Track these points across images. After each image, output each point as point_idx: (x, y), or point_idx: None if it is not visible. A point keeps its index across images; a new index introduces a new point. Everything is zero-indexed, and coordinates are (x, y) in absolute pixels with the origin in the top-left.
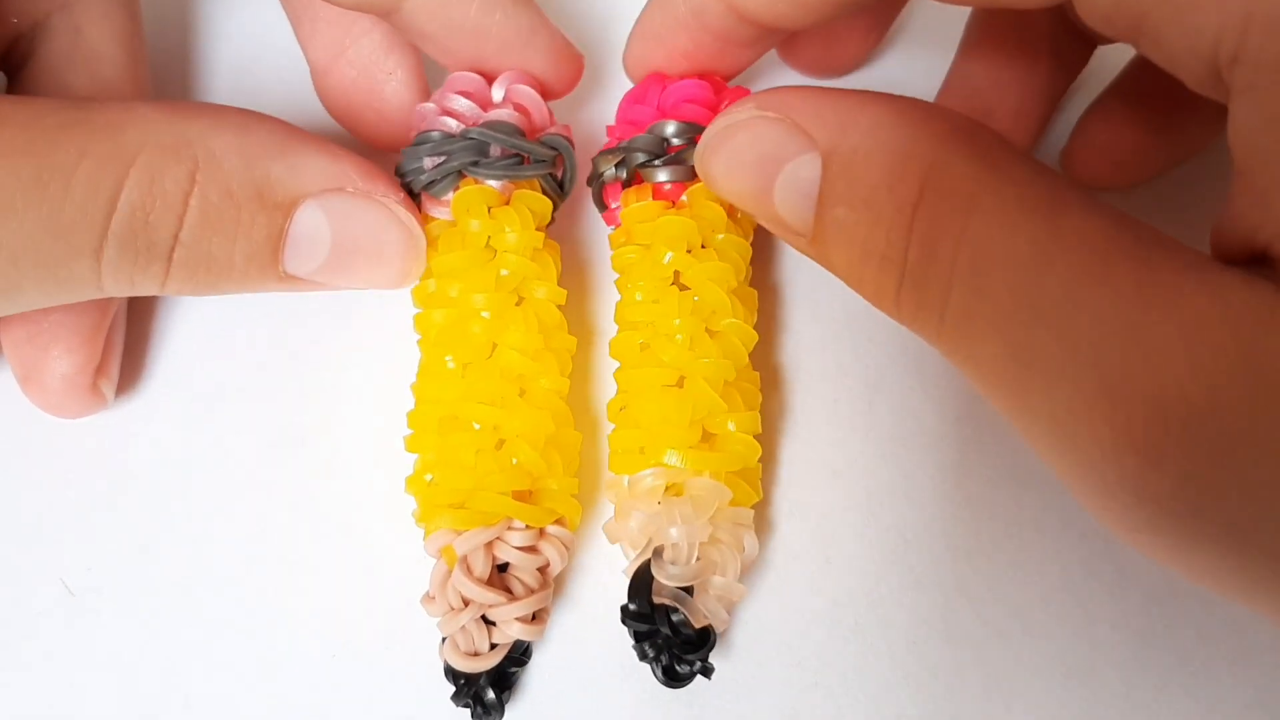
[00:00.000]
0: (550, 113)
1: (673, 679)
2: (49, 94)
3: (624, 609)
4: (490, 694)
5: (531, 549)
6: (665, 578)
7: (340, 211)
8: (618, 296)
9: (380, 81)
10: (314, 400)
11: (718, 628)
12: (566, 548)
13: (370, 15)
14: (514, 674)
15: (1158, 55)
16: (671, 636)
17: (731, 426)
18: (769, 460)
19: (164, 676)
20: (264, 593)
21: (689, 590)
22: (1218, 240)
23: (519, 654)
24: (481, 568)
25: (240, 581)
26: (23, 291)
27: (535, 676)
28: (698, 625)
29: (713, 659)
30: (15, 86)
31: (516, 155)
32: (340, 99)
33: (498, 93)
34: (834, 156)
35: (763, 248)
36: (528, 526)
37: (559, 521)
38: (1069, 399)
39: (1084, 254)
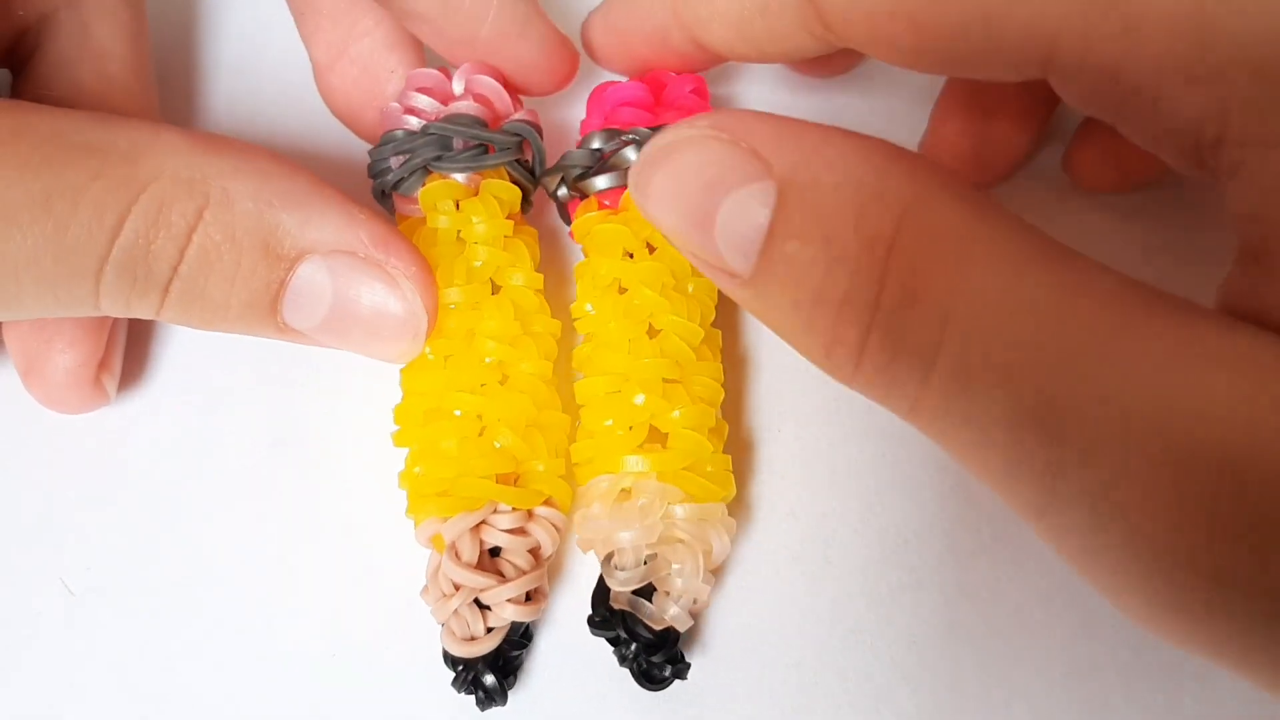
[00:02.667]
0: (515, 99)
1: (649, 681)
2: (56, 89)
3: (589, 619)
4: (490, 678)
5: (521, 531)
6: (615, 584)
7: (345, 275)
8: None
9: (382, 80)
10: (313, 400)
11: (679, 628)
12: (557, 528)
13: (372, 12)
14: (516, 658)
15: (1138, 137)
16: (632, 640)
17: (676, 414)
18: (769, 460)
19: (164, 676)
20: (264, 592)
21: (647, 593)
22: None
23: (518, 637)
24: (469, 553)
25: (240, 581)
26: (22, 303)
27: (538, 660)
28: (657, 628)
29: (712, 658)
30: (20, 81)
31: (480, 145)
32: (342, 97)
33: (458, 85)
34: (792, 186)
35: None
36: (514, 509)
37: (548, 503)
38: (1117, 467)
39: (1113, 304)
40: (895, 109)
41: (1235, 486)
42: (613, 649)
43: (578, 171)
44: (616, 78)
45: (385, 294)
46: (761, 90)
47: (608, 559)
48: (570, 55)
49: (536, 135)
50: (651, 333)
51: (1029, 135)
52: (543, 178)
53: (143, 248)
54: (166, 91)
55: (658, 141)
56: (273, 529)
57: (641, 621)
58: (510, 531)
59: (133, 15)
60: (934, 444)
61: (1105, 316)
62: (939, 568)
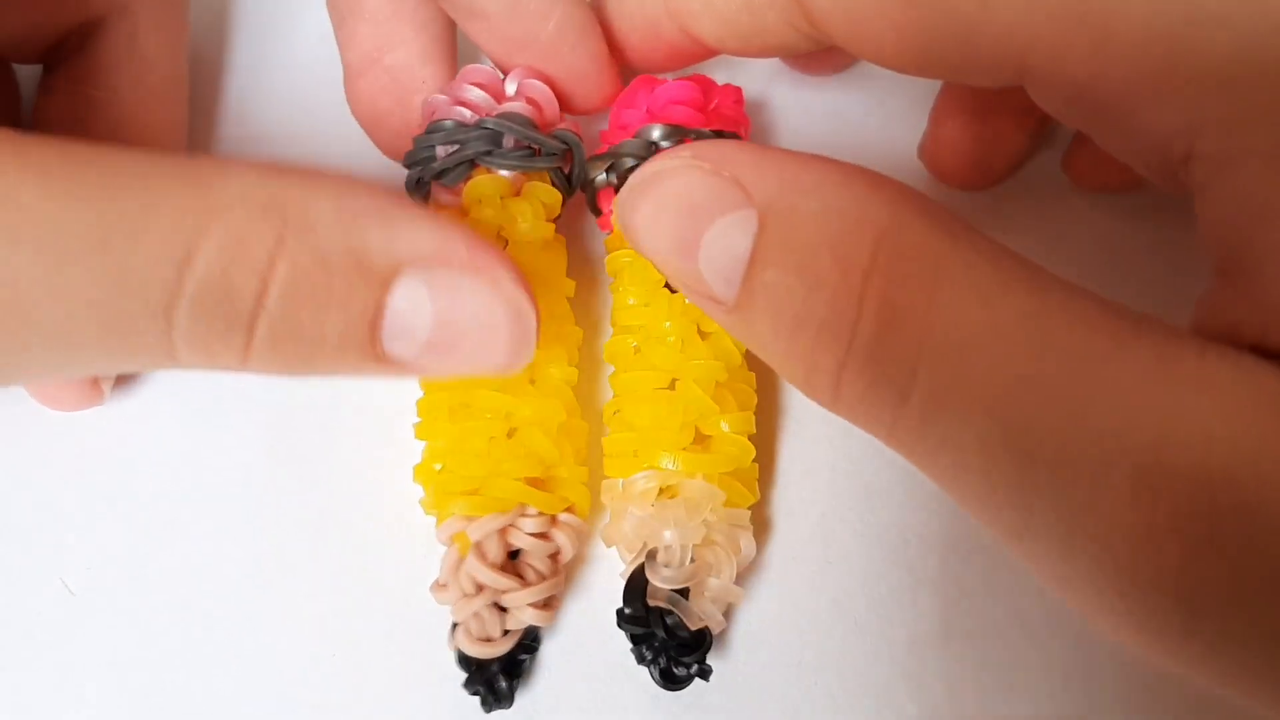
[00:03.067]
0: (560, 110)
1: (670, 681)
2: (92, 90)
3: (619, 612)
4: (502, 682)
5: (544, 536)
6: (659, 580)
7: (444, 285)
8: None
9: (411, 91)
10: (314, 399)
11: (713, 629)
12: (578, 535)
13: (412, 22)
14: (524, 661)
15: (1112, 146)
16: (667, 639)
17: (725, 427)
18: (769, 460)
19: (164, 676)
20: (264, 591)
21: (684, 593)
22: (1199, 330)
23: (529, 641)
24: (495, 553)
25: (240, 580)
26: (83, 353)
27: (544, 665)
28: (693, 628)
29: (713, 659)
30: (54, 77)
31: (528, 147)
32: (369, 104)
33: (510, 86)
34: (771, 214)
35: None
36: (540, 513)
37: (570, 509)
38: (1091, 490)
39: (1086, 328)
40: (895, 107)
41: (1207, 509)
42: (632, 647)
43: (630, 163)
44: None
45: (490, 301)
46: (761, 85)
47: (651, 555)
48: (615, 76)
49: (581, 147)
50: (702, 334)
51: (1028, 135)
52: (588, 163)
53: (221, 280)
54: (194, 92)
55: (642, 172)
56: (273, 528)
57: (680, 620)
58: (535, 535)
59: (180, 28)
60: None
61: (1076, 342)
62: (939, 568)
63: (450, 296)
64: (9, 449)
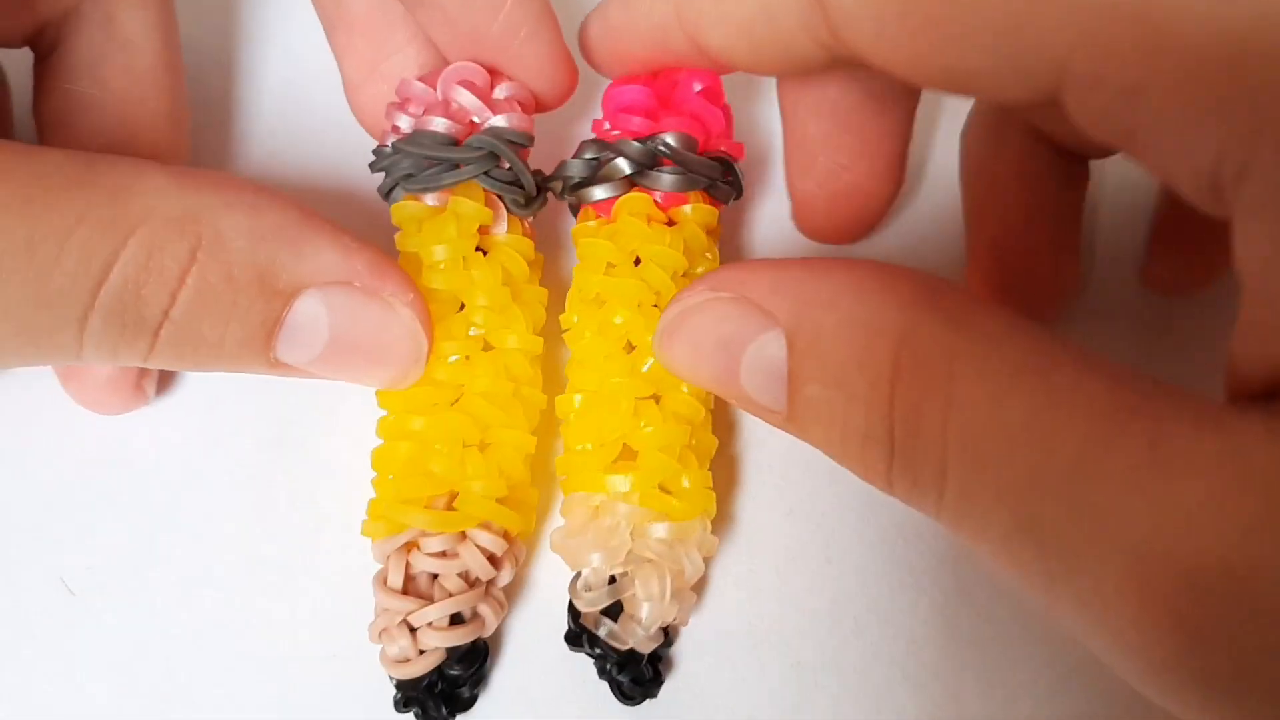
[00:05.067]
0: (504, 110)
1: (623, 696)
2: (81, 85)
3: (564, 634)
4: (431, 703)
5: (448, 554)
6: (581, 604)
7: (342, 306)
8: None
9: None
10: (314, 399)
11: (639, 649)
12: (498, 553)
13: (404, 28)
14: (459, 677)
15: (1152, 165)
16: (602, 656)
17: (648, 429)
18: (769, 460)
19: (164, 676)
20: (264, 592)
21: (615, 612)
22: (1232, 371)
23: (464, 656)
24: (395, 577)
25: (240, 581)
26: (1, 354)
27: (514, 670)
28: (621, 648)
29: (713, 658)
30: (43, 78)
31: (447, 163)
32: (372, 114)
33: (441, 88)
34: (799, 334)
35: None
36: (441, 533)
37: (486, 526)
38: (1096, 580)
39: (1087, 417)
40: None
41: (1202, 596)
42: (594, 660)
43: (575, 180)
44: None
45: (383, 321)
46: (770, 111)
47: (575, 578)
48: (571, 70)
49: (500, 145)
50: (629, 348)
51: (893, 185)
52: (549, 183)
53: (133, 293)
54: (205, 101)
55: (668, 314)
56: (273, 529)
57: (606, 641)
58: (438, 555)
59: (161, 7)
60: None
61: (1079, 432)
62: (939, 568)
63: (346, 316)
64: (10, 449)
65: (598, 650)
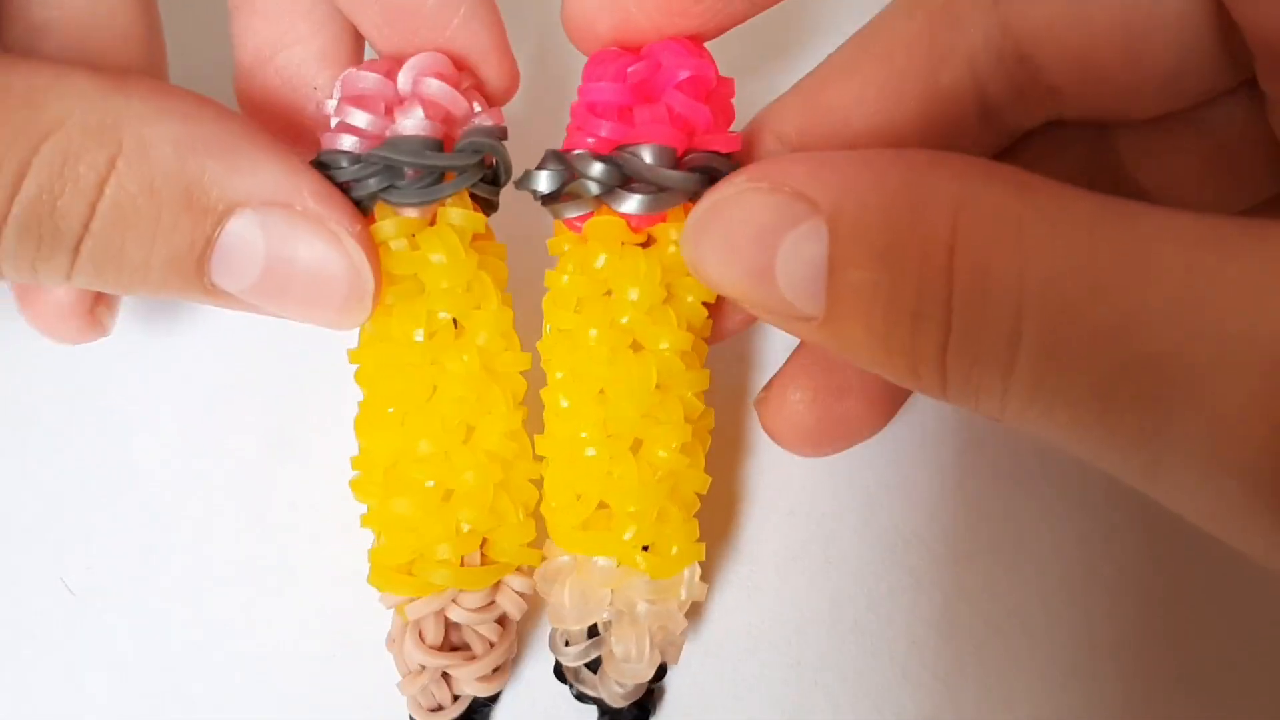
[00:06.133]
0: (473, 94)
1: None
2: (35, 8)
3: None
4: None
5: (489, 604)
6: (561, 657)
7: (280, 231)
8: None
9: (305, 97)
10: (314, 399)
11: (611, 703)
12: (524, 596)
13: (311, 17)
14: (484, 711)
15: None
16: (582, 697)
17: (631, 506)
18: (769, 460)
19: (164, 676)
20: (264, 591)
21: (596, 664)
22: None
23: (486, 700)
24: (434, 635)
25: (240, 581)
26: None
27: (506, 704)
28: (594, 696)
29: (712, 658)
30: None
31: (434, 171)
32: (257, 107)
33: (404, 81)
34: (841, 216)
35: None
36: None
37: (518, 569)
38: (1213, 412)
39: (1189, 246)
40: None
41: None
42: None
43: (542, 194)
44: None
45: (326, 252)
46: None
47: (553, 632)
48: (513, 59)
49: (499, 146)
50: (602, 395)
51: (880, 418)
52: (519, 188)
53: (47, 204)
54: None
55: (700, 207)
56: (273, 529)
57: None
58: (476, 610)
59: None
60: (934, 444)
61: (1183, 260)
62: (939, 568)
63: (284, 242)
64: (10, 448)
65: (579, 698)
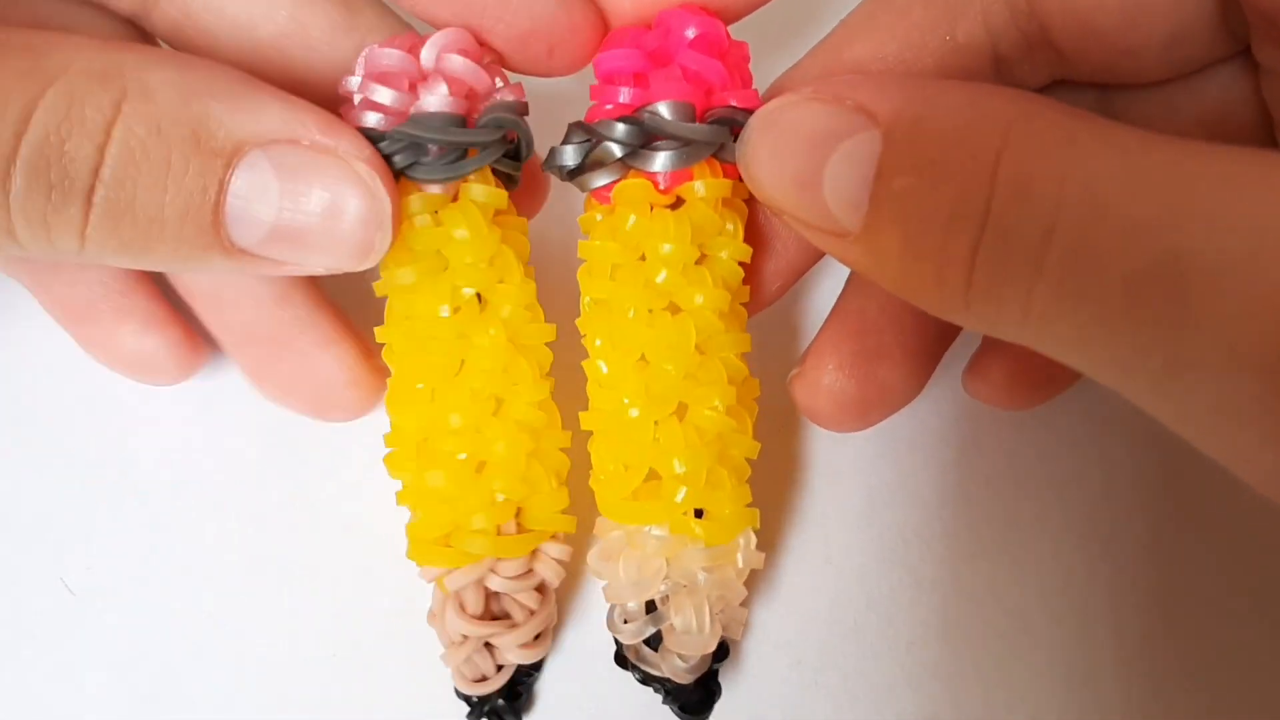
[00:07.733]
0: (495, 69)
1: (686, 713)
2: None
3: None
4: (506, 710)
5: (527, 572)
6: (619, 635)
7: (291, 166)
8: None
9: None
10: None
11: (676, 679)
12: (563, 562)
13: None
14: (527, 681)
15: None
16: (646, 679)
17: (680, 468)
18: (769, 460)
19: (164, 676)
20: (264, 592)
21: (655, 640)
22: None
23: (529, 669)
24: (475, 604)
25: (240, 581)
26: None
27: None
28: (658, 675)
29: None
30: None
31: (458, 148)
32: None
33: (428, 57)
34: (898, 126)
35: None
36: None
37: (553, 536)
38: (1242, 300)
39: (1226, 160)
40: None
41: None
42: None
43: (569, 169)
44: None
45: (341, 183)
46: None
47: (612, 609)
48: (591, 31)
49: (521, 121)
50: (644, 361)
51: (917, 382)
52: (545, 168)
53: (55, 146)
54: None
55: (761, 113)
56: (273, 529)
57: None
58: (515, 578)
59: None
60: (934, 444)
61: (1224, 168)
62: (939, 568)
63: (297, 177)
64: (9, 449)
65: (643, 679)
